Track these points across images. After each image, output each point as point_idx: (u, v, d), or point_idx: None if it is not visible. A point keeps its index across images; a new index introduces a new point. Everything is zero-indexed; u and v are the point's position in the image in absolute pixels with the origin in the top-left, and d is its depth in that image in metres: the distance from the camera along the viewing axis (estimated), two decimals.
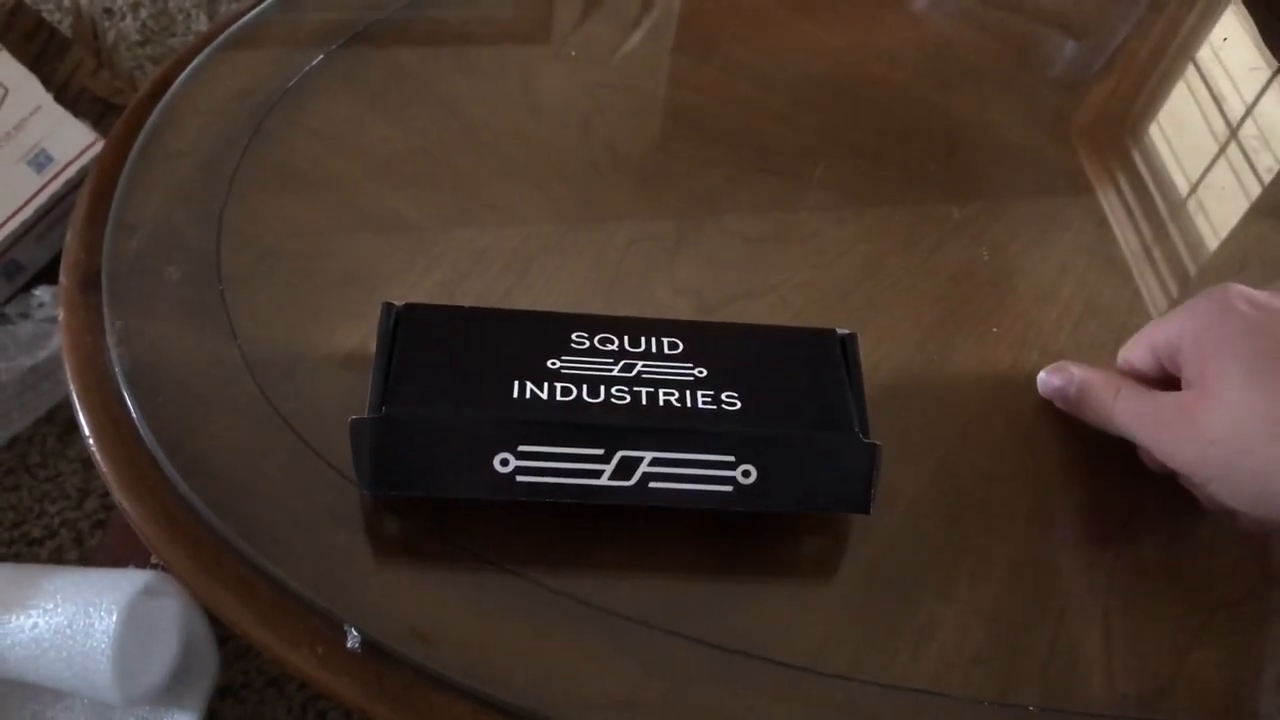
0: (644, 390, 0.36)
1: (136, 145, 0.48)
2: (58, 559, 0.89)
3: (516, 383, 0.36)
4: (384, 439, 0.35)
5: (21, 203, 0.93)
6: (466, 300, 0.44)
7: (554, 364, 0.37)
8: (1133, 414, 0.40)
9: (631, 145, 0.53)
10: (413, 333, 0.38)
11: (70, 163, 0.95)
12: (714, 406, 0.36)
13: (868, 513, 0.37)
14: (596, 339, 0.38)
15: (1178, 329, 0.39)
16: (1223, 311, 0.37)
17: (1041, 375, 0.45)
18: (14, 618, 0.67)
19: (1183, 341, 0.38)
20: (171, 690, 0.72)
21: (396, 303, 0.39)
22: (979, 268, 0.50)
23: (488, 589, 0.36)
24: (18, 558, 0.88)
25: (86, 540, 0.90)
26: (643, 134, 0.55)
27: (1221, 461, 0.36)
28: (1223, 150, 0.60)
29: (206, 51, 0.53)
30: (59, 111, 0.96)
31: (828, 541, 0.39)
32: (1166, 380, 0.40)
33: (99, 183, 0.47)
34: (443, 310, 0.39)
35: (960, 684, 0.36)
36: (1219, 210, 0.56)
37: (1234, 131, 0.61)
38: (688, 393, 0.36)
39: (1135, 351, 0.42)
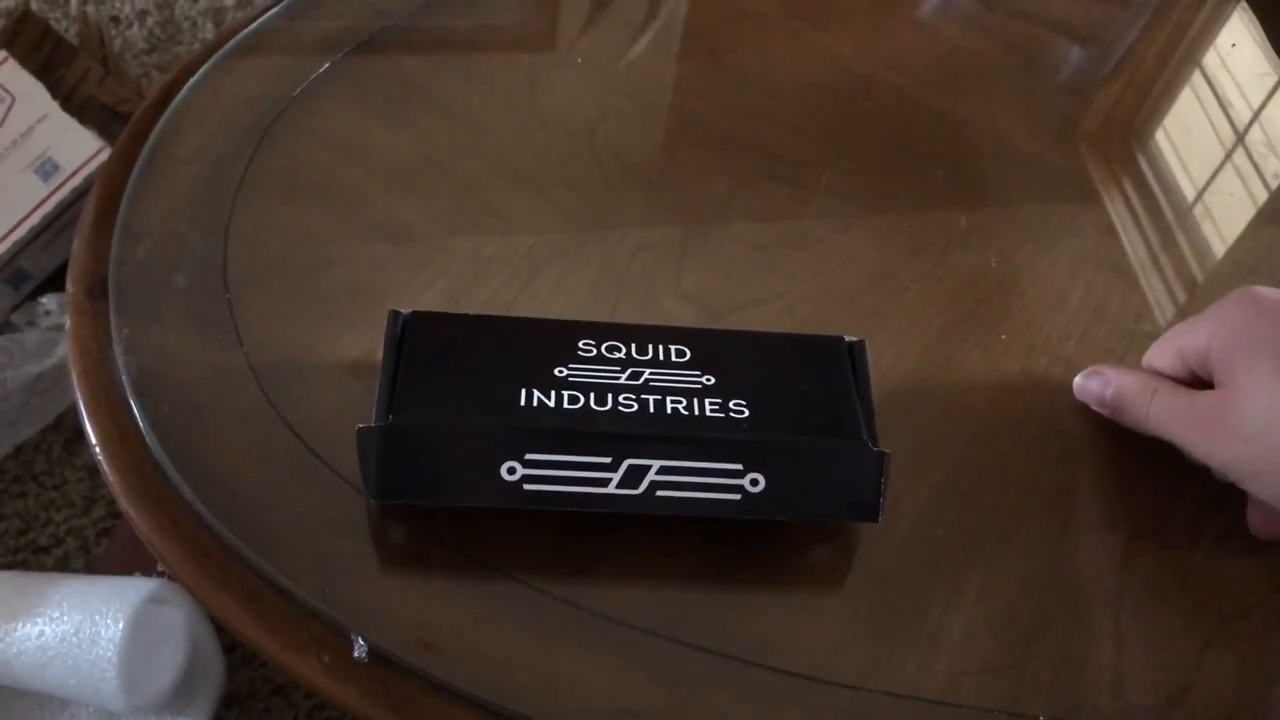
0: (651, 398, 0.36)
1: (143, 153, 0.48)
2: (64, 567, 0.89)
3: (524, 390, 0.36)
4: (391, 447, 0.35)
5: (28, 210, 0.94)
6: (473, 308, 0.44)
7: (561, 372, 0.37)
8: (1169, 414, 0.40)
9: (638, 152, 0.53)
10: (419, 340, 0.38)
11: (77, 171, 0.96)
12: (722, 414, 0.36)
13: (877, 521, 0.37)
14: (604, 347, 0.38)
15: (1206, 332, 0.39)
16: (1249, 311, 0.38)
17: (1078, 380, 0.44)
18: (20, 626, 0.67)
19: (1212, 344, 0.39)
20: (177, 698, 0.72)
21: (403, 310, 0.39)
22: (987, 275, 0.50)
23: (494, 597, 0.36)
24: (24, 566, 0.89)
25: (92, 548, 0.90)
26: (649, 141, 0.55)
27: (1256, 458, 0.36)
28: (1229, 156, 0.60)
29: (213, 60, 0.53)
30: (65, 119, 0.96)
31: (836, 550, 0.39)
32: (1196, 385, 0.40)
33: (106, 190, 0.47)
34: (449, 318, 0.39)
35: (970, 693, 0.36)
36: (1226, 216, 0.56)
37: (1241, 137, 0.61)
38: (695, 400, 0.36)
39: (1163, 358, 0.41)
